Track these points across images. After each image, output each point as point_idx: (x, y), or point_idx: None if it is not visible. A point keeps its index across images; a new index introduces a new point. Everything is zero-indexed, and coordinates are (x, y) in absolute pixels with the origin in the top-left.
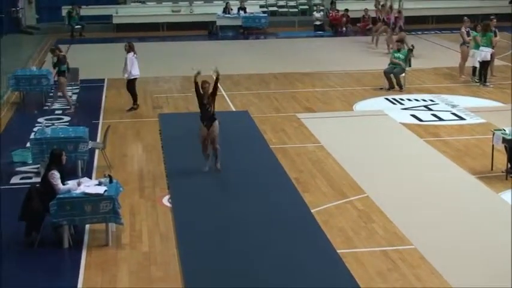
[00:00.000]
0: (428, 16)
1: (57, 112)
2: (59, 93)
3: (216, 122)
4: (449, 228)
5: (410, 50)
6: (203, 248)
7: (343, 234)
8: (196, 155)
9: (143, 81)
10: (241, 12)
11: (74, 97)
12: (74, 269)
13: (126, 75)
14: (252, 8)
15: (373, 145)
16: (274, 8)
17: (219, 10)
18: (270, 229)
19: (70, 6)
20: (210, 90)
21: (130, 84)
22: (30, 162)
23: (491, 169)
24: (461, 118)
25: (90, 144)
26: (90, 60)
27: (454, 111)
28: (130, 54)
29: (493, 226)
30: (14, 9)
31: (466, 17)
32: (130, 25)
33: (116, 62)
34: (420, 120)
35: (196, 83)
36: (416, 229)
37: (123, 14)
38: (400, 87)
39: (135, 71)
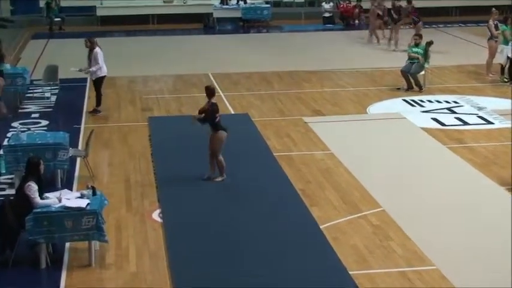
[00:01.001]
0: (451, 7)
1: (34, 115)
2: None
3: (219, 133)
4: (475, 247)
5: (429, 44)
6: (198, 269)
7: (356, 253)
8: (190, 164)
9: (131, 81)
10: (241, 2)
11: (53, 98)
12: None
13: (98, 73)
14: None
15: (390, 153)
16: None
17: (216, 0)
18: (273, 248)
19: None
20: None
21: (99, 83)
22: (3, 172)
23: None
24: (489, 122)
25: (71, 151)
26: (71, 57)
27: (481, 114)
28: (98, 49)
29: None
30: None
31: (494, 8)
32: (116, 17)
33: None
34: (442, 124)
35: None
36: (438, 248)
37: (108, 5)
38: (420, 87)
39: (105, 68)
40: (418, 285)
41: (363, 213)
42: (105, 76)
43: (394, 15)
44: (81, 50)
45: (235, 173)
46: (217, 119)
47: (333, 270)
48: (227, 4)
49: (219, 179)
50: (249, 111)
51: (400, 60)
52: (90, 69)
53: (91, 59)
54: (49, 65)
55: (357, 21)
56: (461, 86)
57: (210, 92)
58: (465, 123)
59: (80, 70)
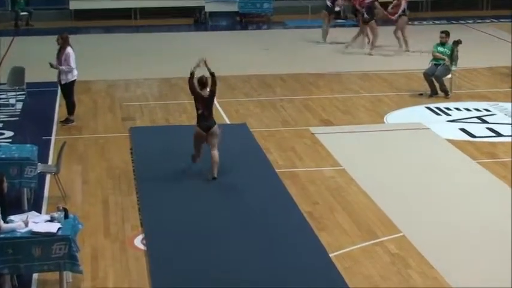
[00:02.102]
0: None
1: None
2: None
3: (217, 127)
4: (508, 278)
5: (456, 43)
6: None
7: (371, 284)
8: (179, 182)
9: (109, 85)
10: None
11: (19, 105)
12: None
13: (69, 76)
14: None
15: (411, 169)
16: None
17: None
18: (276, 279)
19: None
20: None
21: (70, 88)
22: None
23: None
24: None
25: (40, 167)
26: (40, 57)
27: None
28: (70, 49)
29: None
30: None
31: None
32: (93, 12)
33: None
34: (472, 135)
35: (192, 77)
36: (466, 280)
37: None
38: (446, 92)
39: (76, 71)
40: None
41: (380, 240)
42: (75, 80)
43: (365, 14)
44: (52, 49)
45: (231, 192)
46: (200, 111)
47: None
48: None
49: (215, 172)
50: (247, 120)
51: (423, 62)
52: (61, 67)
53: (61, 59)
54: (14, 67)
55: None
56: (494, 92)
57: (202, 83)
58: (498, 134)
59: (51, 65)
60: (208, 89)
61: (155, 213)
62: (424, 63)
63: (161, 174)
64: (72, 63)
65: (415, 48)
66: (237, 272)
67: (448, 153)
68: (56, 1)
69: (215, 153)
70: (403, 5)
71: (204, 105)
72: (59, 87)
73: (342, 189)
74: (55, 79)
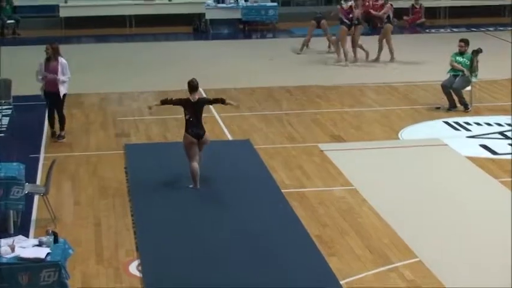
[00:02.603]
0: (502, 6)
1: None
2: None
3: (207, 136)
4: None
5: (476, 52)
6: None
7: None
8: (176, 203)
9: (102, 99)
10: (241, 0)
11: (5, 120)
12: None
13: (65, 88)
14: None
15: (427, 188)
16: None
17: None
18: None
19: None
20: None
21: (62, 101)
22: None
23: None
24: None
25: (27, 187)
26: (28, 68)
27: None
28: (63, 59)
29: None
30: None
31: None
32: (84, 19)
33: None
34: (494, 152)
35: (166, 102)
36: None
37: (73, 3)
38: (465, 106)
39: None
40: None
41: (394, 265)
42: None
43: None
44: (41, 60)
45: (234, 214)
46: (187, 116)
47: None
48: (223, 2)
49: (190, 186)
50: (251, 136)
51: (441, 73)
52: (62, 78)
53: (51, 70)
54: (0, 79)
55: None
56: None
57: (192, 87)
58: None
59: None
60: (197, 96)
61: (152, 237)
62: (442, 74)
63: (158, 194)
64: (67, 75)
65: (398, 59)
66: None
67: (468, 171)
68: (44, 8)
69: (200, 154)
70: (387, 11)
71: (192, 111)
72: (48, 101)
73: (353, 211)
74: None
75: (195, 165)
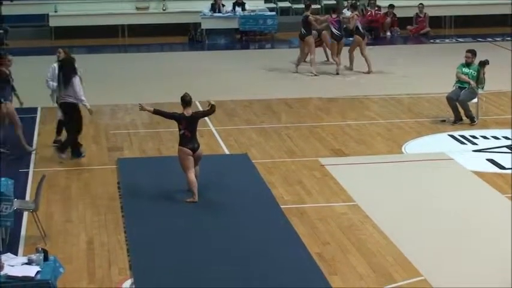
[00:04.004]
0: (510, 15)
1: None
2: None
3: (201, 150)
4: None
5: (483, 64)
6: None
7: None
8: (171, 220)
9: (94, 111)
10: (238, 9)
11: None
12: None
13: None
14: (254, 4)
15: (432, 204)
16: (286, 4)
17: (205, 6)
18: None
19: None
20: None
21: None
22: None
23: None
24: None
25: (16, 203)
26: (17, 79)
27: None
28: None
29: None
30: None
31: None
32: (75, 29)
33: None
34: (501, 167)
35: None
36: None
37: (64, 12)
38: (471, 119)
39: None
40: None
41: (398, 284)
42: None
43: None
44: (30, 71)
45: (231, 231)
46: (181, 132)
47: None
48: (219, 11)
49: (189, 199)
50: (248, 150)
51: (446, 84)
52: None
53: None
54: None
55: (388, 34)
56: None
57: (185, 102)
58: None
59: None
60: (191, 111)
61: (145, 254)
62: (448, 86)
63: (152, 210)
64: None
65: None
66: None
67: (474, 186)
68: (34, 18)
69: (197, 168)
70: (355, 23)
71: (186, 126)
72: (62, 109)
73: (355, 228)
74: (33, 104)
75: (192, 176)
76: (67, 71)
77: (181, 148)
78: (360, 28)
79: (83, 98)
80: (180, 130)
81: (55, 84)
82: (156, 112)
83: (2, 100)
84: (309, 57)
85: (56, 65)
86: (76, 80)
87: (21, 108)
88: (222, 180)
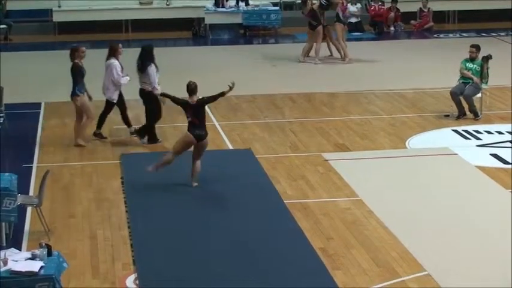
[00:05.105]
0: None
1: None
2: None
3: (207, 140)
4: None
5: (487, 59)
6: None
7: None
8: (175, 215)
9: (97, 106)
10: (242, 4)
11: None
12: None
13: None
14: None
15: (436, 199)
16: None
17: (208, 2)
18: None
19: None
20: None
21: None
22: None
23: None
24: None
25: (20, 198)
26: (20, 75)
27: None
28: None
29: None
30: None
31: None
32: (79, 24)
33: (58, 78)
34: (505, 162)
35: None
36: None
37: (67, 7)
38: (475, 114)
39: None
40: None
41: (402, 279)
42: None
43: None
44: (35, 66)
45: (235, 226)
46: (189, 119)
47: None
48: (223, 6)
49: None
50: (252, 145)
51: (449, 79)
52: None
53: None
54: None
55: (392, 28)
56: None
57: (190, 90)
58: None
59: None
60: (195, 98)
61: (149, 249)
62: (452, 81)
63: (156, 205)
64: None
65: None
66: None
67: (478, 181)
68: (38, 13)
69: (199, 162)
70: (336, 9)
71: (192, 114)
72: (141, 96)
73: (359, 223)
74: (37, 100)
75: (169, 159)
76: (144, 58)
77: (187, 134)
78: (341, 16)
79: (157, 86)
80: (187, 117)
81: (127, 78)
82: (164, 94)
83: (78, 92)
84: (316, 45)
85: (113, 61)
86: (151, 69)
87: (25, 104)
88: (226, 175)
